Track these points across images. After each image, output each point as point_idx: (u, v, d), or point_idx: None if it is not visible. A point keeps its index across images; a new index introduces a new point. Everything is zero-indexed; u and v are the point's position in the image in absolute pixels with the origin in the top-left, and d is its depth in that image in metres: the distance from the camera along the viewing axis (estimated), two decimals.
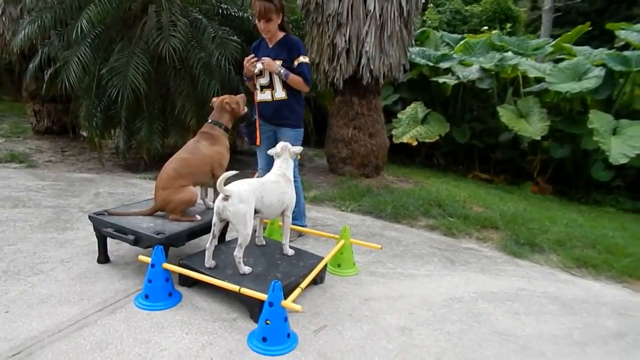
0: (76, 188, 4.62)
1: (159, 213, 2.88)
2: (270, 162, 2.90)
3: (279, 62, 3.16)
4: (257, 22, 3.16)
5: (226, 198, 2.33)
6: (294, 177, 3.18)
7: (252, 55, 3.24)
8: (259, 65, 3.16)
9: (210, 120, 3.04)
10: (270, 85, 3.24)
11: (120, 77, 4.83)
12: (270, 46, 3.26)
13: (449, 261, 3.32)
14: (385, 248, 3.40)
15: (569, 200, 6.49)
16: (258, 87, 3.30)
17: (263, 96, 3.29)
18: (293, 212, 3.45)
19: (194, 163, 2.87)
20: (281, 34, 3.25)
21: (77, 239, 3.23)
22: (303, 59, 3.23)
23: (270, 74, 3.20)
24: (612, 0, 16.64)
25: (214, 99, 3.11)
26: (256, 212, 2.46)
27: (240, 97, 3.14)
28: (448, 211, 4.43)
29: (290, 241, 2.85)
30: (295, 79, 3.19)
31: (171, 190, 2.79)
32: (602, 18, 14.34)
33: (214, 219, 2.44)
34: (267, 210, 2.55)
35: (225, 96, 3.09)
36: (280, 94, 3.25)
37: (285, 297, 2.09)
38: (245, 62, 3.19)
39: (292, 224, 3.38)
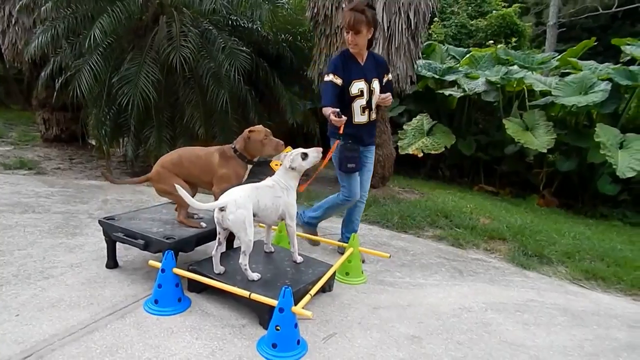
0: (84, 195, 4.65)
1: (168, 217, 2.96)
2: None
3: (377, 83, 3.07)
4: (345, 33, 2.99)
5: (223, 208, 2.35)
6: (350, 193, 3.14)
7: (338, 111, 2.82)
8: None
9: (233, 143, 2.95)
10: (369, 107, 3.09)
11: (131, 86, 4.89)
12: (362, 64, 3.07)
13: (457, 271, 3.31)
14: (393, 257, 3.39)
15: (576, 214, 6.46)
16: (358, 109, 3.06)
17: (363, 118, 3.10)
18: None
19: (198, 164, 2.88)
20: (367, 50, 3.11)
21: (86, 244, 3.25)
22: (391, 76, 3.22)
23: (370, 95, 3.06)
24: (616, 16, 16.75)
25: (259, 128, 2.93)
26: (253, 216, 2.45)
27: (277, 144, 2.87)
28: (455, 222, 4.42)
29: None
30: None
31: (166, 173, 2.86)
32: (606, 34, 14.42)
33: (217, 228, 2.46)
34: (262, 213, 2.53)
35: (260, 129, 2.87)
36: (374, 114, 3.17)
37: (295, 304, 2.09)
38: (335, 123, 2.83)
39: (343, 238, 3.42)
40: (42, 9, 5.32)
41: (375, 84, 3.08)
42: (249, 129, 2.88)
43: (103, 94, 5.23)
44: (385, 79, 3.17)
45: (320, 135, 7.00)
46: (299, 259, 2.75)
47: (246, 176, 2.95)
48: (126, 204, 4.39)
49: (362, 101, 3.05)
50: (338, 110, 2.83)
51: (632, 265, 3.64)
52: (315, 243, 3.59)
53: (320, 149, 2.70)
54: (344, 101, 3.00)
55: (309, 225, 3.52)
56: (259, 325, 2.29)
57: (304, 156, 2.65)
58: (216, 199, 2.58)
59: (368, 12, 2.92)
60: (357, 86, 3.01)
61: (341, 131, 2.94)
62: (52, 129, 7.61)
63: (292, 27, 6.89)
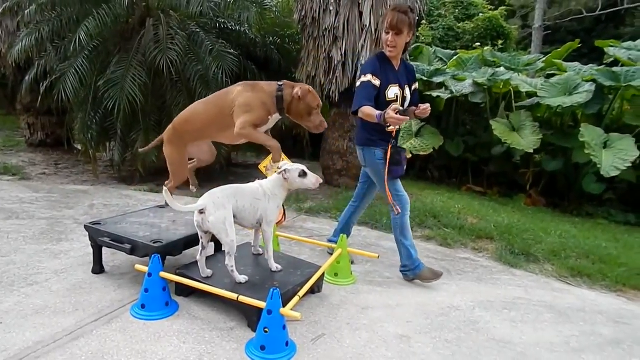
0: (70, 200, 4.59)
1: (155, 221, 2.90)
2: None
3: (408, 90, 2.99)
4: (384, 34, 2.86)
5: (202, 211, 2.33)
6: (404, 199, 2.96)
7: (401, 108, 2.72)
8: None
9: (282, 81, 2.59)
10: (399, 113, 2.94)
11: (117, 89, 4.85)
12: (397, 69, 2.96)
13: (445, 271, 3.32)
14: (381, 258, 3.39)
15: (562, 213, 6.54)
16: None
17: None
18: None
19: (211, 112, 2.62)
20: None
21: (71, 250, 3.20)
22: (417, 84, 3.13)
23: (403, 102, 2.95)
24: (600, 19, 17.05)
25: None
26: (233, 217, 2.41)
27: (322, 121, 2.67)
28: (443, 222, 4.46)
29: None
30: None
31: (174, 135, 2.75)
32: (591, 37, 14.64)
33: (199, 233, 2.44)
34: (240, 215, 2.45)
35: (317, 94, 2.63)
36: None
37: (283, 306, 2.09)
38: (399, 121, 2.62)
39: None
40: (26, 12, 5.27)
41: (407, 91, 2.99)
42: (301, 86, 2.53)
43: (89, 97, 5.19)
44: (413, 87, 3.07)
45: (309, 137, 7.02)
46: (274, 266, 2.61)
47: (270, 124, 2.60)
48: (113, 208, 4.34)
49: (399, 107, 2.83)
50: (401, 108, 2.68)
51: (616, 262, 3.70)
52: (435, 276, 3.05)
53: (321, 180, 2.57)
54: (377, 106, 2.77)
55: (415, 262, 3.05)
56: (247, 328, 2.27)
57: (302, 174, 2.50)
58: (240, 136, 2.46)
59: (410, 14, 2.83)
60: (393, 91, 2.89)
61: (394, 132, 2.86)
62: (37, 134, 7.53)
63: (280, 29, 6.91)
